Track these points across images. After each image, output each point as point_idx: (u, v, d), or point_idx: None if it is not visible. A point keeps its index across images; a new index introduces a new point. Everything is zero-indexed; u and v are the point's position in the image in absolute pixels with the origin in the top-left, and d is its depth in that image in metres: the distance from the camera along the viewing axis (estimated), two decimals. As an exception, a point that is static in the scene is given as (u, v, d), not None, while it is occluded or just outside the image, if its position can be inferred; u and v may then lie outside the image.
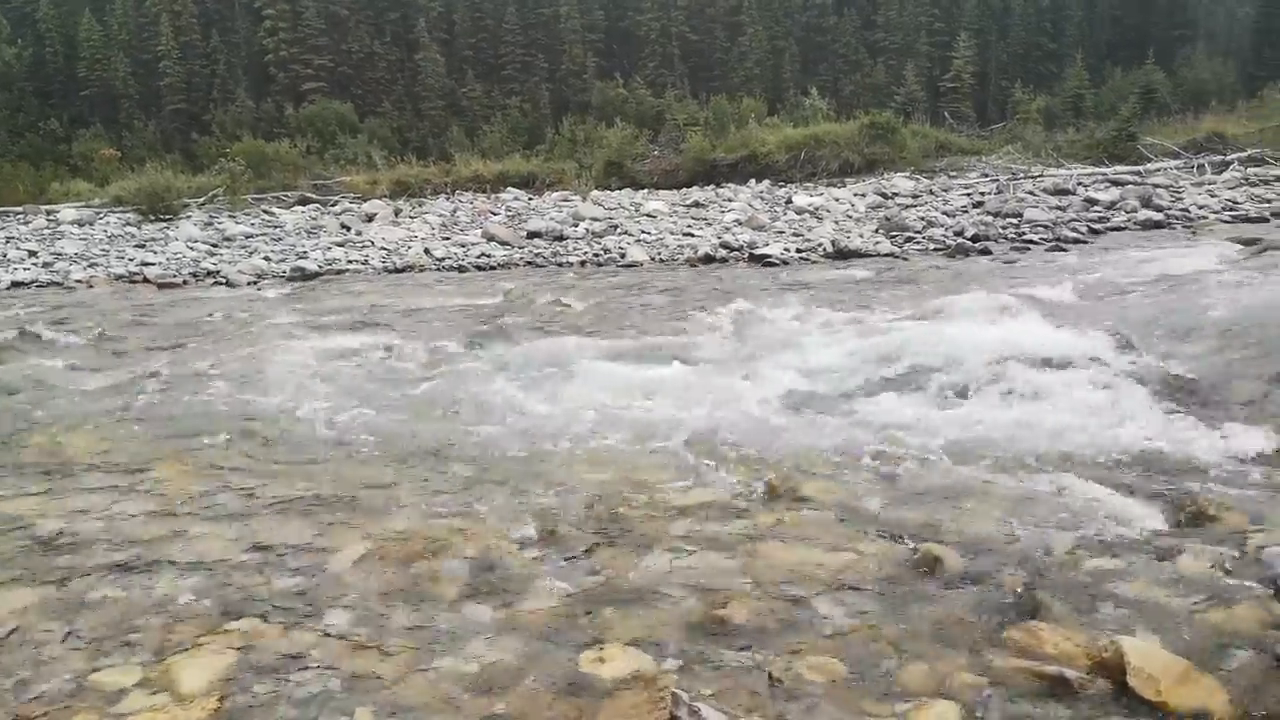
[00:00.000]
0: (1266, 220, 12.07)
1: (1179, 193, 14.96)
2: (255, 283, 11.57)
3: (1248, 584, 2.50)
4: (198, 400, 5.31)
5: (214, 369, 6.15)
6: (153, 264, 12.90)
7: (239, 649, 2.40)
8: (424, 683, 2.22)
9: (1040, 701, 2.01)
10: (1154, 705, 1.94)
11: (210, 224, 17.55)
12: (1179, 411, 4.01)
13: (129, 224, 18.00)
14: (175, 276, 12.05)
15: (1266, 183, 15.28)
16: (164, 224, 17.85)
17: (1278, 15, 43.51)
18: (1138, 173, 17.85)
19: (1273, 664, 2.08)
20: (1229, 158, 18.53)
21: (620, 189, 21.23)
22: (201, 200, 20.20)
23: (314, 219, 18.02)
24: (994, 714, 1.96)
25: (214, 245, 14.84)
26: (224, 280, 11.74)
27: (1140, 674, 1.99)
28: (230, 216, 18.72)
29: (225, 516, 3.38)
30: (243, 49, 45.56)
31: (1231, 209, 13.10)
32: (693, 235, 13.41)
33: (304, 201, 21.60)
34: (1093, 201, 14.22)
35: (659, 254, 12.21)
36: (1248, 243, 9.88)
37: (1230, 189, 15.04)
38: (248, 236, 15.77)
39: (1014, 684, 2.07)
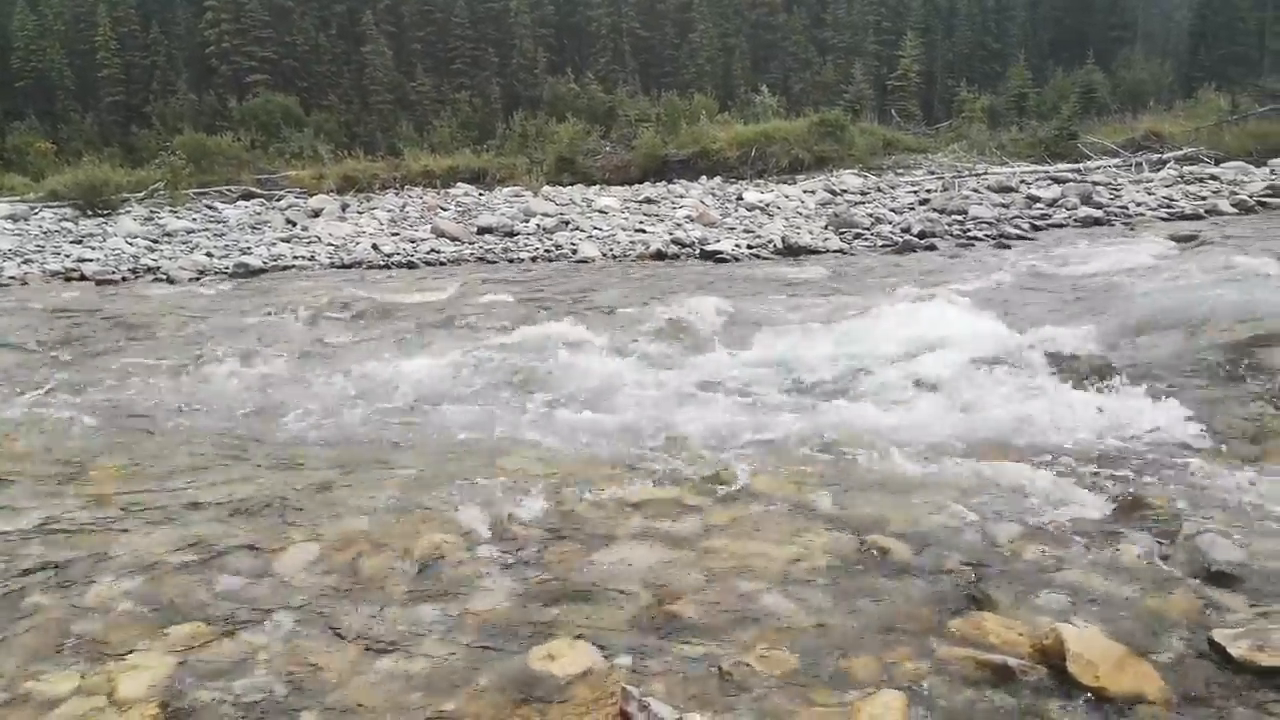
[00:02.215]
0: (1201, 217, 12.41)
1: (1118, 190, 15.33)
2: (197, 279, 11.32)
3: (1182, 571, 2.57)
4: (136, 401, 5.18)
5: (154, 369, 6.01)
6: (90, 260, 12.54)
7: (181, 653, 2.35)
8: (371, 684, 2.19)
9: (984, 689, 2.05)
10: (1092, 690, 1.99)
11: (150, 219, 17.14)
12: (1116, 402, 4.11)
13: (65, 219, 17.48)
14: (114, 273, 11.73)
15: (1201, 180, 15.71)
16: (102, 219, 17.38)
17: (1212, 18, 44.80)
18: (1078, 170, 18.26)
19: (1205, 648, 2.15)
20: (1166, 156, 19.04)
21: (572, 185, 21.15)
22: (141, 195, 19.71)
23: (258, 214, 17.70)
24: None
25: (154, 241, 14.49)
26: (165, 277, 11.47)
27: (1079, 660, 2.04)
28: (171, 212, 18.28)
29: (166, 519, 3.31)
30: (183, 40, 44.42)
31: (1168, 206, 13.45)
32: (644, 231, 13.40)
33: (248, 196, 21.19)
34: (1035, 199, 14.51)
35: (611, 250, 12.19)
36: (1183, 239, 10.17)
37: (1167, 187, 15.44)
38: (189, 232, 15.43)
39: (958, 673, 2.11)
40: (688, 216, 14.63)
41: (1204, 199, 13.70)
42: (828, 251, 11.26)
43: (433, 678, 2.21)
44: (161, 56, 43.20)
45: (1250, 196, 13.29)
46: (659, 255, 11.73)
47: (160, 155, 23.32)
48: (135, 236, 14.79)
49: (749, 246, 11.73)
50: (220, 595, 2.69)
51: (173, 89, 41.63)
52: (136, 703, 2.14)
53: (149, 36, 43.57)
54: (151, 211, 18.30)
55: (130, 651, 2.37)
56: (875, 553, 2.78)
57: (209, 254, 12.96)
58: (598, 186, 20.68)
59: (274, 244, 13.74)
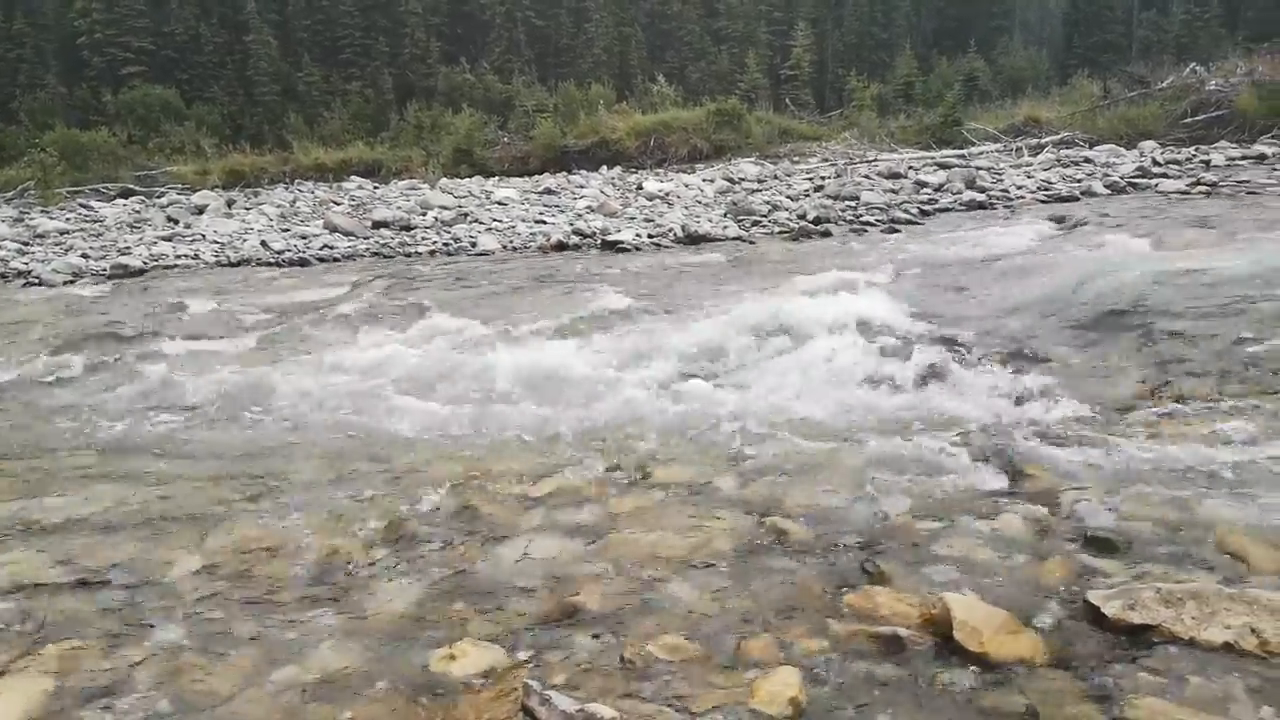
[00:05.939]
0: (1077, 199, 12.97)
1: (1000, 174, 15.92)
2: (72, 281, 10.76)
3: (1061, 538, 2.70)
4: (7, 410, 4.89)
5: (23, 378, 5.69)
6: (-46, 264, 11.80)
7: (57, 674, 2.23)
8: (263, 695, 2.12)
9: (876, 661, 2.11)
10: (977, 656, 2.07)
11: (20, 220, 16.28)
12: (1000, 378, 4.28)
13: (-75, 221, 16.42)
14: (-20, 278, 11.06)
15: (1076, 164, 16.45)
16: (-34, 221, 16.38)
17: (1085, 6, 47.00)
18: (963, 156, 18.91)
19: (1083, 610, 2.26)
20: (1044, 141, 19.88)
21: (470, 177, 20.90)
22: (9, 195, 18.68)
23: (138, 212, 17.00)
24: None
25: (25, 243, 13.73)
26: (37, 280, 10.87)
27: (964, 628, 2.12)
28: (43, 212, 17.41)
29: (41, 531, 3.14)
30: (52, 31, 41.99)
31: (1046, 189, 14.00)
32: (545, 222, 13.32)
33: (126, 194, 20.28)
34: (922, 184, 14.96)
35: (511, 242, 12.07)
36: (1059, 220, 10.64)
37: (1045, 170, 16.11)
38: (63, 233, 14.69)
39: (852, 646, 2.17)
40: (588, 207, 14.60)
41: (1079, 181, 14.32)
42: (727, 239, 11.38)
43: (329, 686, 2.16)
44: (28, 48, 40.76)
45: (1122, 178, 13.96)
46: (560, 246, 11.67)
47: (29, 153, 22.10)
48: (3, 239, 13.99)
49: (650, 236, 11.77)
50: (101, 610, 2.57)
51: (41, 82, 39.34)
52: (8, 731, 2.03)
53: (13, 27, 41.05)
54: (21, 212, 17.39)
55: (1, 675, 2.24)
56: (773, 534, 2.83)
57: (85, 255, 12.34)
58: (496, 178, 20.49)
59: (155, 243, 13.15)
